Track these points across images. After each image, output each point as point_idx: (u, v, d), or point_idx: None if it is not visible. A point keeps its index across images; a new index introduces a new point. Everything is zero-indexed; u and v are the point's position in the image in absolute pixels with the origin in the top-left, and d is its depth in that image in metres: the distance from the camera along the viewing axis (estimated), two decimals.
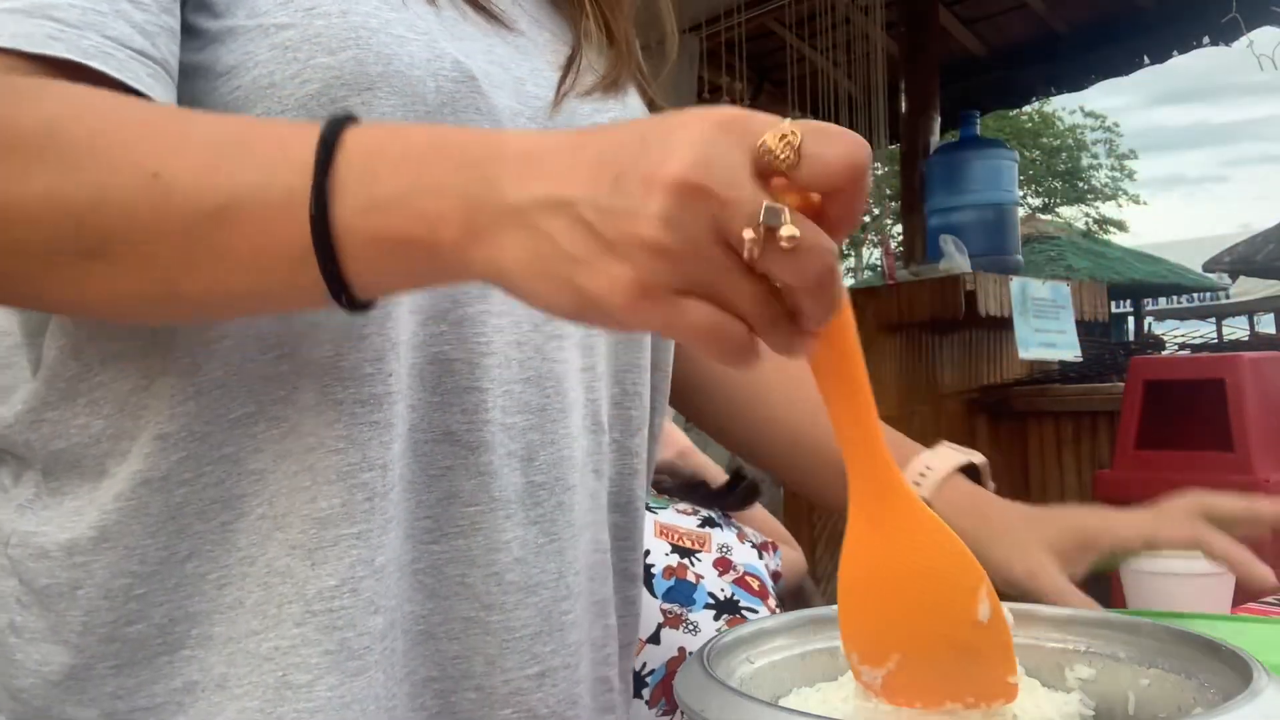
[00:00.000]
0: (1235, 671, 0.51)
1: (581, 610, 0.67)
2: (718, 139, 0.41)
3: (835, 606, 0.54)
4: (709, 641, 0.56)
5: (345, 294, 0.48)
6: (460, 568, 0.62)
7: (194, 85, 0.57)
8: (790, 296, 0.43)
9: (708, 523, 1.37)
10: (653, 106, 0.78)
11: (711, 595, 1.26)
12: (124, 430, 0.58)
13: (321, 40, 0.55)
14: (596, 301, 0.42)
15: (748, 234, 0.40)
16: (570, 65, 0.69)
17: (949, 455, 0.79)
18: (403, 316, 0.59)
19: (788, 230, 0.40)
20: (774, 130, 0.41)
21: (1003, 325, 3.01)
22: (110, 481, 0.58)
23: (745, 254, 0.41)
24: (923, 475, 0.77)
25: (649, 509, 1.32)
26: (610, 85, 0.72)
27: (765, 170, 0.42)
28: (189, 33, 0.57)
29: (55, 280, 0.49)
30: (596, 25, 0.73)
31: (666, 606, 1.24)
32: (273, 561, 0.57)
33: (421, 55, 0.59)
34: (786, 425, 0.86)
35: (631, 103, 0.74)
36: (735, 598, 1.28)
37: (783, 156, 0.41)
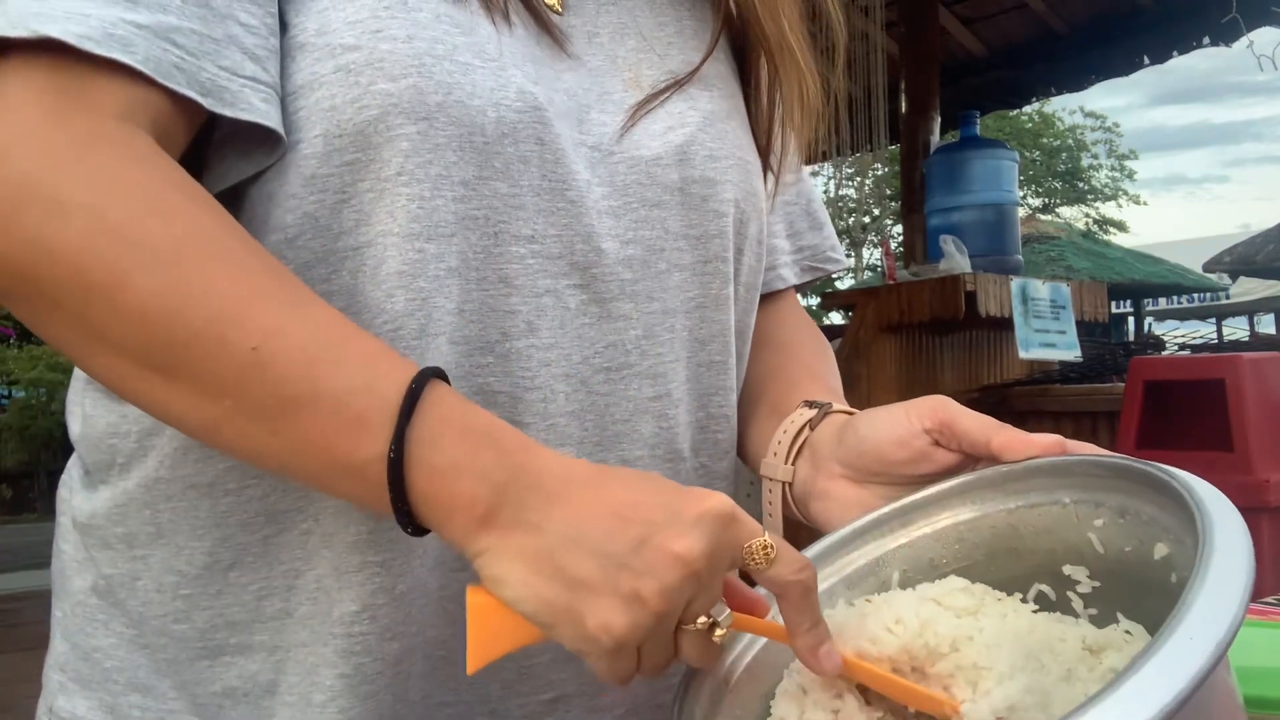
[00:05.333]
0: (1171, 499, 0.51)
1: None
2: (721, 535, 0.49)
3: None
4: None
5: (411, 525, 0.51)
6: None
7: None
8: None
9: None
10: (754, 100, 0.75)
11: None
12: (146, 432, 0.60)
13: (384, 66, 0.56)
14: (579, 625, 0.48)
15: (701, 621, 0.50)
16: (641, 105, 0.67)
17: (796, 420, 0.72)
18: (443, 347, 0.59)
19: (720, 631, 0.51)
20: (759, 540, 0.50)
21: (1003, 325, 3.01)
22: (154, 480, 0.60)
23: (683, 633, 0.50)
24: (774, 454, 0.71)
25: None
26: (679, 84, 0.69)
27: (739, 568, 0.51)
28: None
29: (122, 368, 0.51)
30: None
31: None
32: (322, 578, 0.59)
33: (486, 84, 0.58)
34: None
35: (703, 103, 0.70)
36: None
37: (758, 564, 0.50)
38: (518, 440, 0.52)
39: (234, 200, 0.58)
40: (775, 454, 0.69)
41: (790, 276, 0.83)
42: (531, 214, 0.61)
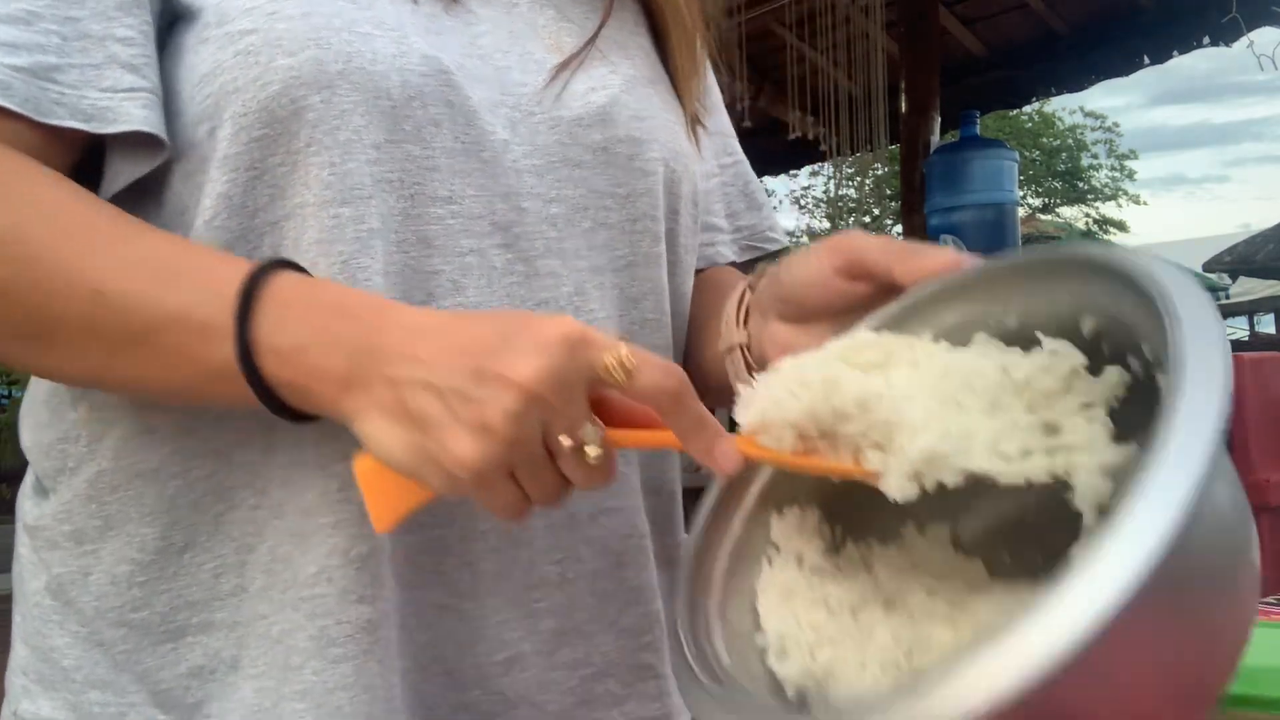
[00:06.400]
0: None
1: (568, 598, 0.67)
2: (564, 355, 0.50)
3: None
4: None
5: (286, 411, 0.55)
6: (435, 557, 0.63)
7: (179, 95, 0.60)
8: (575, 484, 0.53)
9: None
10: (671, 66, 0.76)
11: None
12: (102, 421, 0.62)
13: (283, 43, 0.58)
14: (438, 463, 0.50)
15: (565, 440, 0.51)
16: (562, 66, 0.68)
17: (738, 290, 0.72)
18: None
19: (593, 450, 0.51)
20: (614, 354, 0.50)
21: None
22: (97, 473, 0.62)
23: (557, 456, 0.51)
24: (727, 325, 0.71)
25: None
26: (591, 42, 0.71)
27: (600, 386, 0.51)
28: (176, 47, 0.61)
29: (4, 347, 0.58)
30: None
31: None
32: (275, 549, 0.60)
33: (387, 51, 0.60)
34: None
35: (624, 68, 0.72)
36: None
37: (616, 376, 0.50)
38: (371, 304, 0.54)
39: (159, 193, 0.61)
40: (728, 325, 0.70)
41: (729, 254, 0.85)
42: (447, 175, 0.62)
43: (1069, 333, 0.49)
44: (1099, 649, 0.32)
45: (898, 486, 0.48)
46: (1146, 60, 4.41)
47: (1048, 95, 5.06)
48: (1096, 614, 0.32)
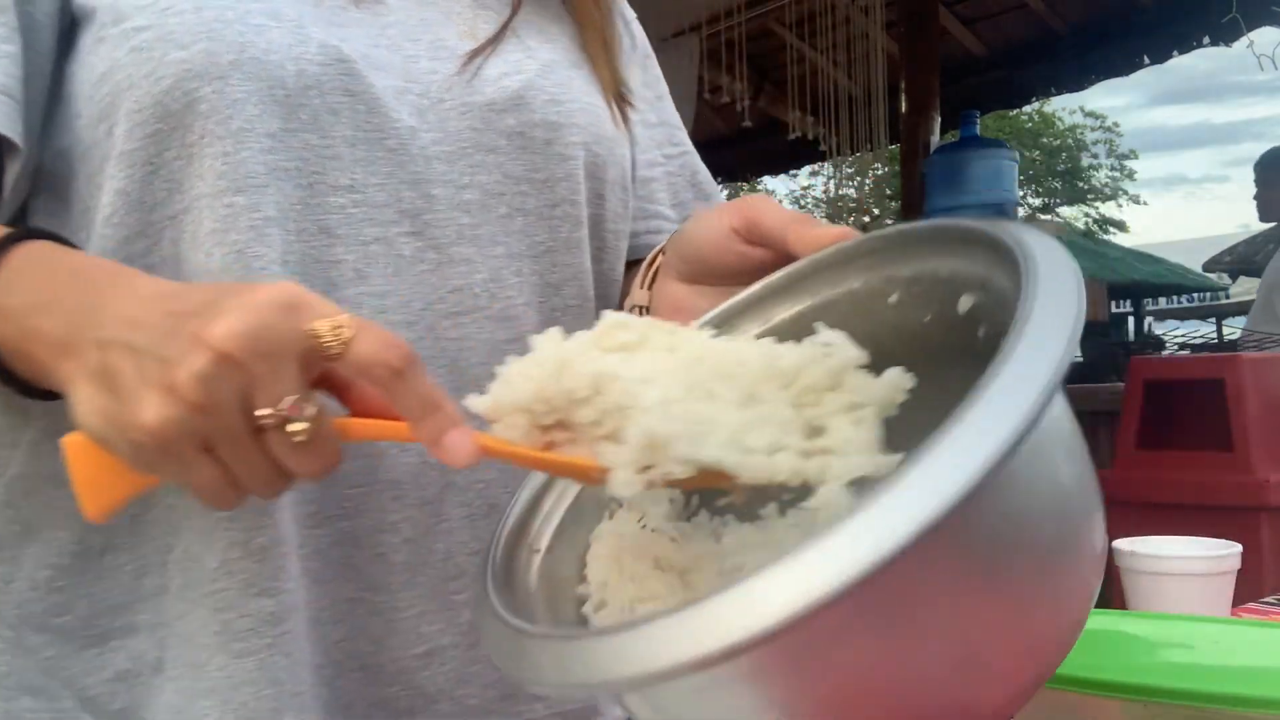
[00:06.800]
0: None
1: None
2: (272, 317, 0.45)
3: None
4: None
5: (15, 381, 0.53)
6: (345, 550, 0.62)
7: (79, 96, 0.60)
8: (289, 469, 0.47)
9: None
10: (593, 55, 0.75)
11: None
12: (15, 426, 0.61)
13: (175, 36, 0.58)
14: (123, 429, 0.45)
15: (263, 412, 0.45)
16: (475, 52, 0.68)
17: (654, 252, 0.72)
18: None
19: (296, 425, 0.45)
20: (329, 320, 0.46)
21: None
22: (12, 478, 0.61)
23: (262, 432, 0.45)
24: (637, 287, 0.70)
25: None
26: (505, 32, 0.70)
27: (313, 355, 0.46)
28: (76, 49, 0.61)
29: None
30: None
31: None
32: (189, 547, 0.60)
33: (282, 41, 0.60)
34: None
35: (543, 53, 0.71)
36: None
37: (330, 346, 0.45)
38: (110, 271, 0.52)
39: (67, 194, 0.61)
40: (635, 287, 0.69)
41: None
42: (349, 164, 0.62)
43: (948, 309, 0.47)
44: (872, 588, 0.31)
45: (623, 481, 0.43)
46: (1146, 60, 4.42)
47: (1048, 95, 5.06)
48: (874, 548, 0.31)
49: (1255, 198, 3.69)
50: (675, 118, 0.86)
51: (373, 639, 0.63)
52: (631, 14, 0.85)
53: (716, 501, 0.54)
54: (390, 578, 0.63)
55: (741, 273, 0.60)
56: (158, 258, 0.59)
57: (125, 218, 0.59)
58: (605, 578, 0.50)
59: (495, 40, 0.69)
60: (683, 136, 0.86)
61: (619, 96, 0.76)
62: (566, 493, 0.54)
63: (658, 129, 0.83)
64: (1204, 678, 0.73)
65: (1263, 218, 3.90)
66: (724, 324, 0.58)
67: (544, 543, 0.52)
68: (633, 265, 0.78)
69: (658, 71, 0.86)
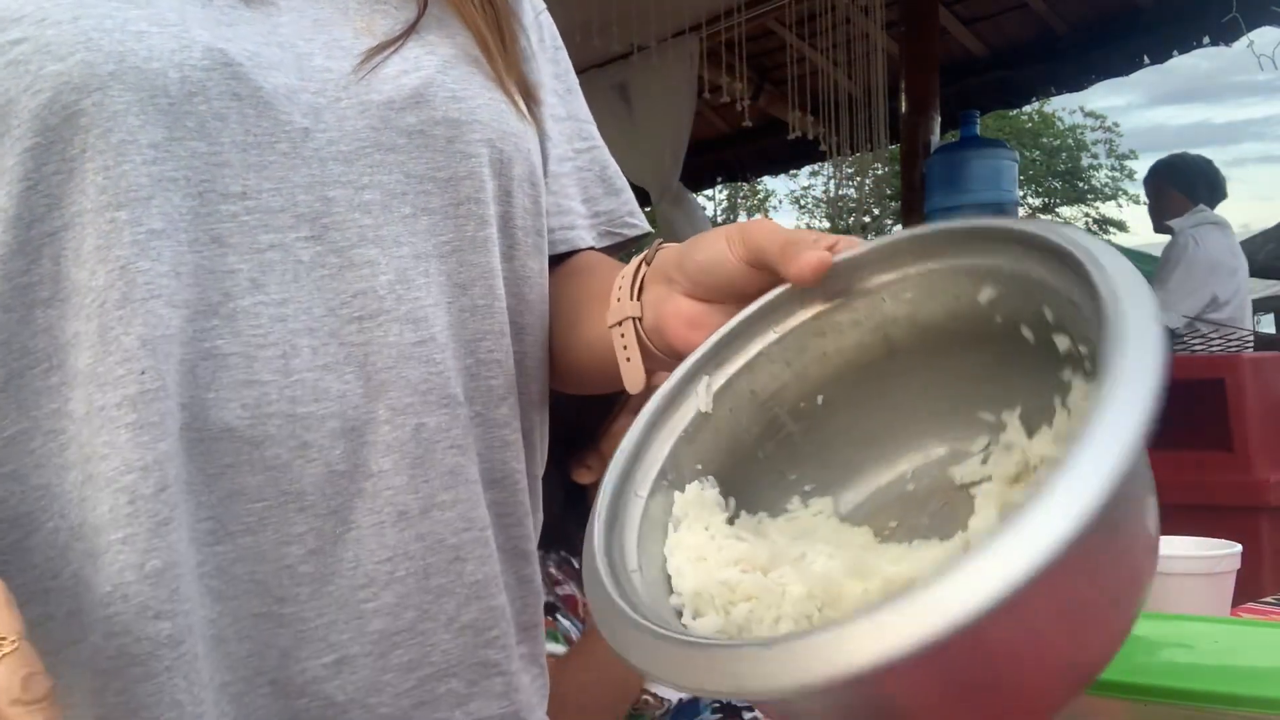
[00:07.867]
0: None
1: (398, 596, 0.65)
2: None
3: None
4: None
5: None
6: (249, 565, 0.61)
7: None
8: None
9: None
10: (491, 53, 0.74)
11: None
12: None
13: (52, 48, 0.57)
14: None
15: None
16: (374, 50, 0.66)
17: (631, 266, 0.70)
18: (161, 312, 0.58)
19: None
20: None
21: None
22: None
23: None
24: (618, 299, 0.69)
25: None
26: (413, 26, 0.69)
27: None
28: None
29: None
30: None
31: None
32: (78, 572, 0.58)
33: (165, 47, 0.58)
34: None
35: (444, 48, 0.70)
36: None
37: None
38: None
39: None
40: (619, 298, 0.67)
41: (589, 239, 0.82)
42: (239, 170, 0.61)
43: (967, 300, 0.51)
44: (1025, 597, 0.33)
45: None
46: (1146, 60, 4.41)
47: (1048, 95, 5.06)
48: (1030, 560, 0.33)
49: (1149, 210, 3.73)
50: (585, 111, 0.85)
51: (280, 652, 0.62)
52: (541, 4, 0.83)
53: (749, 503, 0.58)
54: (297, 589, 0.62)
55: (754, 291, 0.60)
56: (37, 276, 0.58)
57: (1, 235, 0.58)
58: (696, 586, 0.52)
59: (399, 39, 0.67)
60: (592, 130, 0.85)
61: (525, 91, 0.74)
62: (630, 522, 0.56)
63: (566, 123, 0.82)
64: (1204, 678, 0.73)
65: (1156, 229, 3.91)
66: (741, 334, 0.59)
67: (631, 562, 0.54)
68: (555, 261, 0.77)
69: (568, 64, 0.84)
